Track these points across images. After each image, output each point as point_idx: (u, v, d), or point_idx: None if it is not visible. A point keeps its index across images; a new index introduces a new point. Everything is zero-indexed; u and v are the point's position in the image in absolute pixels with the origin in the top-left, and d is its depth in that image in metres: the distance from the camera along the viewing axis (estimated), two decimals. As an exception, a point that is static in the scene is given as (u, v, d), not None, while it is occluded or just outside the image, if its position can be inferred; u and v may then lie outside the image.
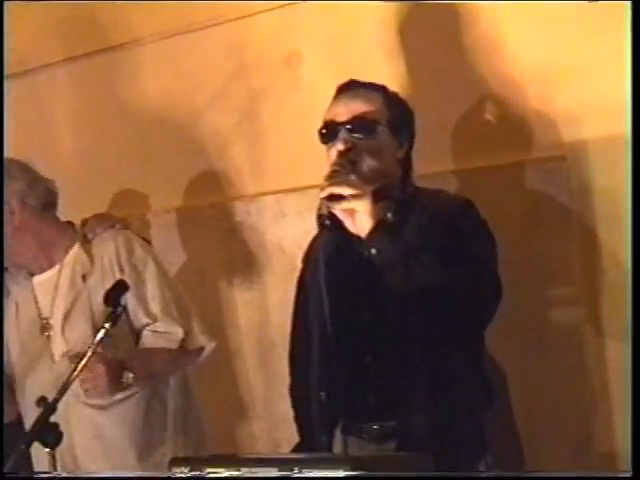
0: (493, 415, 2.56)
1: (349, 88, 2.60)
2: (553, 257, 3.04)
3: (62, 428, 2.55)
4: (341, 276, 2.56)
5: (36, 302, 3.01)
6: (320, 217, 2.38)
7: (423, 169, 2.80)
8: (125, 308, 2.65)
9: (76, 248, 2.99)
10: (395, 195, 2.53)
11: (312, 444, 2.59)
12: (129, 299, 2.88)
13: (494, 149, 3.16)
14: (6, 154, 3.19)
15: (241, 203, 3.69)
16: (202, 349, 3.03)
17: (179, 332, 2.96)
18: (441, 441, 2.37)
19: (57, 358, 2.94)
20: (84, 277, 2.95)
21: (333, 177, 2.38)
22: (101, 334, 2.58)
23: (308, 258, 2.74)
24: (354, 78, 2.63)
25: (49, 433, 2.47)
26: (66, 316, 2.94)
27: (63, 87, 4.15)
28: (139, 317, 2.95)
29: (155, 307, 2.96)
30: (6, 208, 2.95)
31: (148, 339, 2.95)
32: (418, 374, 2.43)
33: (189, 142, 3.79)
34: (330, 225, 2.37)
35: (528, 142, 3.12)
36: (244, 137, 3.69)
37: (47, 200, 3.01)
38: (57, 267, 2.99)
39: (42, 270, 3.02)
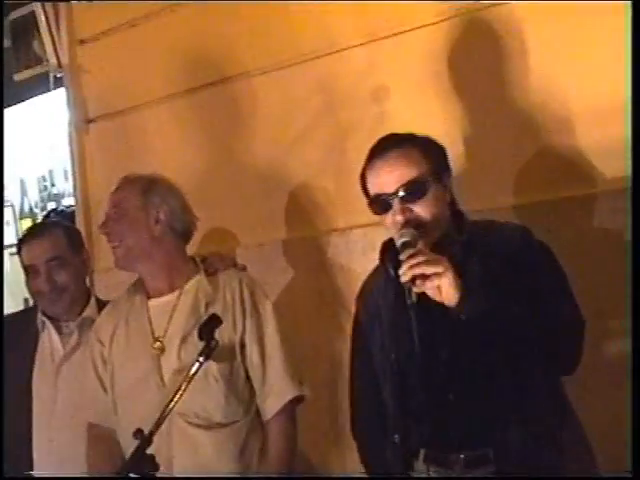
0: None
1: (384, 150, 2.56)
2: (605, 290, 3.01)
3: (163, 443, 2.62)
4: (404, 320, 2.48)
5: (150, 322, 3.08)
6: (408, 292, 2.36)
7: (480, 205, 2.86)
8: (218, 342, 2.70)
9: (198, 278, 3.09)
10: (455, 238, 2.54)
11: None
12: (247, 337, 3.02)
13: (550, 184, 3.18)
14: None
15: (329, 237, 3.73)
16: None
17: (295, 391, 3.05)
18: (528, 467, 2.39)
19: (166, 379, 2.99)
20: (207, 305, 3.04)
21: (406, 252, 2.37)
22: (195, 367, 2.64)
23: (364, 301, 2.74)
24: (387, 134, 2.62)
25: (145, 465, 2.49)
26: (184, 339, 3.00)
27: (164, 122, 4.27)
28: (254, 358, 3.03)
29: (275, 358, 3.05)
30: (153, 213, 3.05)
31: (270, 406, 3.04)
32: (500, 408, 2.43)
33: (278, 176, 3.85)
34: (415, 299, 2.36)
35: (584, 177, 3.12)
36: (332, 171, 3.73)
37: (186, 230, 3.13)
38: (177, 292, 3.08)
39: (160, 293, 3.10)
